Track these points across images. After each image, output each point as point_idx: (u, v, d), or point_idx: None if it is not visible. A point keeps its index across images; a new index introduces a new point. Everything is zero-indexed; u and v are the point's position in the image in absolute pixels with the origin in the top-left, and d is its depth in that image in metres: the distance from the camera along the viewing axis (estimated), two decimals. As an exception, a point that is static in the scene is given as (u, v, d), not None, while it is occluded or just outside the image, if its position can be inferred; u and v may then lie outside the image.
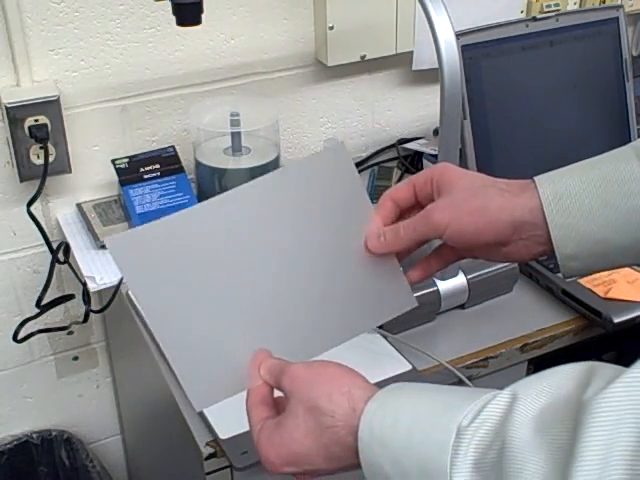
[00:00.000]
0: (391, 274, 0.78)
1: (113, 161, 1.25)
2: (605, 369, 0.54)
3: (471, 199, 0.70)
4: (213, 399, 0.73)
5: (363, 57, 1.40)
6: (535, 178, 0.71)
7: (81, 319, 1.34)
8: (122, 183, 1.24)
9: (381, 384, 0.94)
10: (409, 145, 1.48)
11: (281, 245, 0.75)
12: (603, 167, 0.69)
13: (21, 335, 1.30)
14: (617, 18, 1.30)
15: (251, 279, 0.74)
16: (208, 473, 0.90)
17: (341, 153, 0.76)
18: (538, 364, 1.08)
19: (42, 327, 1.35)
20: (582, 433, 0.48)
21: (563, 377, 0.55)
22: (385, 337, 1.03)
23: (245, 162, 1.24)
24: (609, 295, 1.06)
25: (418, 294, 1.03)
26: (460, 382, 0.98)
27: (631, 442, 0.47)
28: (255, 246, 0.75)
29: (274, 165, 1.25)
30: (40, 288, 1.28)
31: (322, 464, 0.65)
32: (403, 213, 0.76)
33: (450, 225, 0.70)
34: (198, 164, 1.25)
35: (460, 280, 1.06)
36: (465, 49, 1.17)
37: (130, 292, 0.73)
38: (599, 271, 0.73)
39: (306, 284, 0.76)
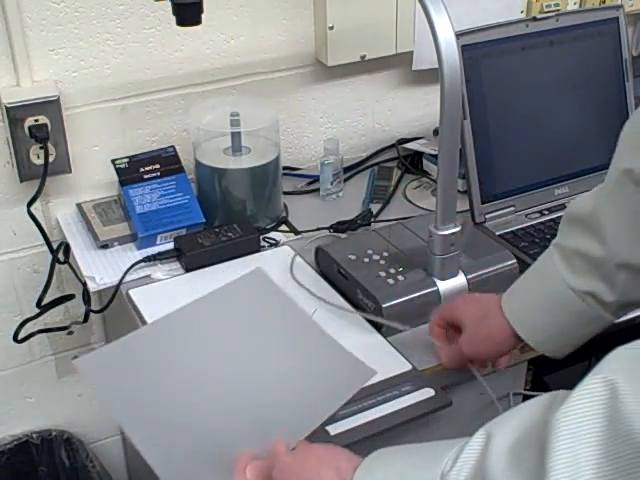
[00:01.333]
0: (338, 357, 0.89)
1: (113, 161, 1.25)
2: (564, 394, 0.57)
3: (479, 332, 0.93)
4: None
5: (363, 57, 1.40)
6: (501, 302, 0.92)
7: (81, 319, 1.34)
8: (122, 183, 1.24)
9: (381, 384, 0.94)
10: (409, 145, 1.48)
11: (229, 352, 0.87)
12: (542, 288, 0.89)
13: (21, 335, 1.30)
14: (617, 18, 1.30)
15: (212, 383, 0.84)
16: (208, 473, 0.89)
17: (260, 276, 0.95)
18: (538, 364, 1.08)
19: (42, 327, 1.35)
20: (548, 448, 0.52)
21: (529, 409, 0.60)
22: (385, 337, 1.02)
23: (245, 162, 1.24)
24: (609, 295, 1.06)
25: (418, 294, 1.03)
26: (460, 382, 0.98)
27: (594, 449, 0.51)
28: (207, 355, 0.86)
29: (274, 165, 1.25)
30: (40, 288, 1.28)
31: None
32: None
33: (476, 353, 0.94)
34: (198, 164, 1.25)
35: (460, 280, 1.06)
36: (465, 49, 1.17)
37: (110, 410, 0.85)
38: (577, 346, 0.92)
39: (265, 383, 0.85)
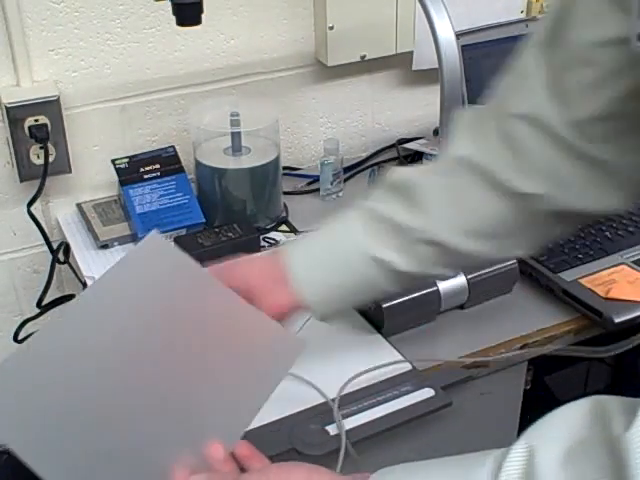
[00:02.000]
0: (264, 331, 0.78)
1: (113, 161, 1.25)
2: (613, 403, 0.55)
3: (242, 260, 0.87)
4: None
5: (363, 57, 1.40)
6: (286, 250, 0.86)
7: (81, 319, 1.34)
8: (122, 183, 1.24)
9: (381, 384, 0.94)
10: (409, 145, 1.48)
11: (141, 346, 0.72)
12: (335, 245, 0.84)
13: (21, 335, 1.30)
14: (617, 18, 1.30)
15: (126, 388, 0.70)
16: (208, 473, 0.89)
17: (157, 241, 0.77)
18: (538, 364, 1.08)
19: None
20: (629, 465, 0.49)
21: (574, 419, 0.56)
22: (385, 337, 1.02)
23: (245, 162, 1.24)
24: (610, 295, 1.06)
25: (418, 294, 1.03)
26: (460, 382, 0.98)
27: None
28: (117, 356, 0.71)
29: (274, 165, 1.25)
30: (40, 288, 1.28)
31: None
32: None
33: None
34: (198, 164, 1.25)
35: (460, 280, 1.06)
36: (465, 49, 1.17)
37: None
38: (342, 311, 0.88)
39: (188, 378, 0.72)
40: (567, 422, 0.56)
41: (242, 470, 0.70)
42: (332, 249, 0.84)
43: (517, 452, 0.55)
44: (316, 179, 1.38)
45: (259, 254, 0.92)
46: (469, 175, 0.79)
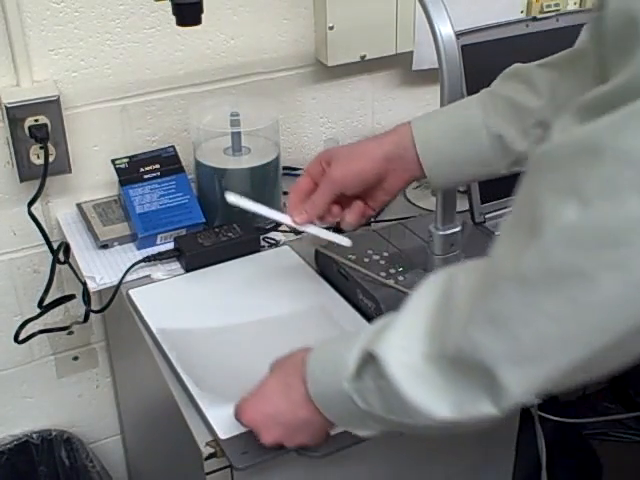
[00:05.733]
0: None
1: (113, 161, 1.25)
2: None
3: (353, 151, 0.95)
4: None
5: (363, 57, 1.40)
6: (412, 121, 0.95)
7: (81, 319, 1.34)
8: (122, 183, 1.24)
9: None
10: (409, 145, 1.47)
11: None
12: (456, 118, 0.93)
13: (22, 336, 1.30)
14: (617, 18, 1.30)
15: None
16: (208, 473, 0.89)
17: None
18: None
19: (42, 327, 1.35)
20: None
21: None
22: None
23: (245, 162, 1.24)
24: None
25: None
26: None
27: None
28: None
29: (274, 165, 1.25)
30: (40, 288, 1.28)
31: None
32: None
33: (343, 174, 0.93)
34: (198, 164, 1.25)
35: (460, 280, 1.06)
36: (465, 49, 1.17)
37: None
38: (460, 182, 1.01)
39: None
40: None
41: None
42: (458, 121, 0.91)
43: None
44: (316, 179, 1.38)
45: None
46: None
